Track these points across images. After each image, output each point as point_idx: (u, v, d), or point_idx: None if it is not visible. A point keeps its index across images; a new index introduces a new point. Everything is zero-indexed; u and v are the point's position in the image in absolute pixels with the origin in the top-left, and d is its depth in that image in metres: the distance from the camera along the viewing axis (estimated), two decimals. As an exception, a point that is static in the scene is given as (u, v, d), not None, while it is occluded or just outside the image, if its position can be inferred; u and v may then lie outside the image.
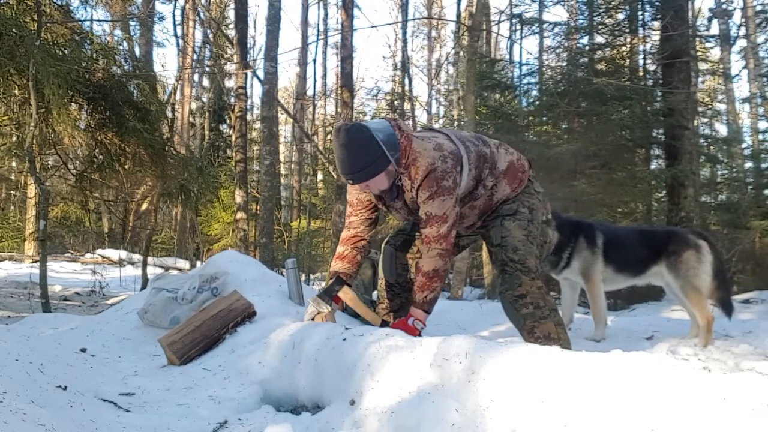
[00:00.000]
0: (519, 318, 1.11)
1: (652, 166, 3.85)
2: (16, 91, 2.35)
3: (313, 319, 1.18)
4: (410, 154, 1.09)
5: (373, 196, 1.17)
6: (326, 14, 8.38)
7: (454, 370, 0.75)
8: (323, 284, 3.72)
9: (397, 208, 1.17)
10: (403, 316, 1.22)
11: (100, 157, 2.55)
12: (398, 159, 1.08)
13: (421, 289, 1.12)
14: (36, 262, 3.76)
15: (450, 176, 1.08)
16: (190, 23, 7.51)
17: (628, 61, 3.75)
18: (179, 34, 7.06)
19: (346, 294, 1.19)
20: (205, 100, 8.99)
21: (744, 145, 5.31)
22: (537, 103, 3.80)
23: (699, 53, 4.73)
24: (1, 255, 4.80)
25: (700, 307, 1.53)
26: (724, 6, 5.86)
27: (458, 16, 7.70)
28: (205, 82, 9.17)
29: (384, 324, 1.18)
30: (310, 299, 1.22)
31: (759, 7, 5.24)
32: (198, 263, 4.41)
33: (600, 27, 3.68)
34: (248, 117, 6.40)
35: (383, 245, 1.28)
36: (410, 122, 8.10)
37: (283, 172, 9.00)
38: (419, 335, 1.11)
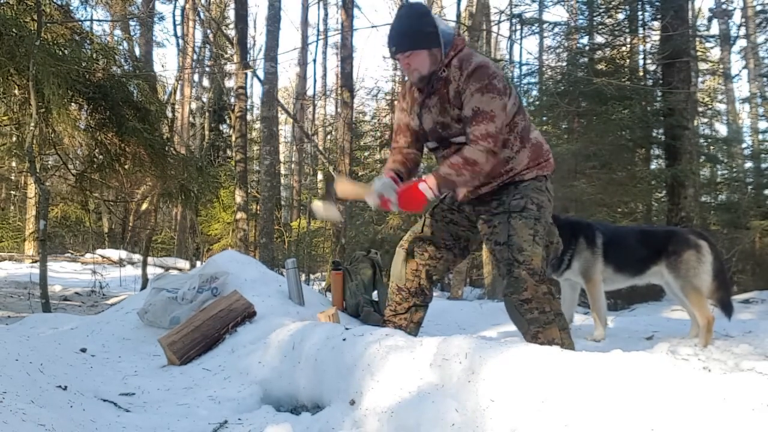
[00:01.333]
0: (523, 322, 1.09)
1: (652, 166, 3.85)
2: (16, 91, 2.35)
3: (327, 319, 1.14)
4: (463, 51, 1.07)
5: (410, 97, 1.11)
6: (326, 14, 8.39)
7: (454, 370, 0.75)
8: (323, 284, 3.71)
9: (431, 106, 1.10)
10: (409, 318, 1.19)
11: (100, 157, 2.55)
12: (447, 51, 1.06)
13: (450, 165, 1.04)
14: (36, 262, 3.75)
15: (501, 80, 1.05)
16: (190, 23, 7.50)
17: (628, 61, 3.75)
18: (179, 34, 7.06)
19: (343, 188, 1.10)
20: (205, 100, 8.99)
21: (744, 145, 5.31)
22: (537, 103, 3.81)
23: (699, 53, 4.74)
24: (1, 255, 4.80)
25: (700, 307, 1.53)
26: (724, 6, 5.86)
27: (458, 16, 7.68)
28: (205, 82, 9.17)
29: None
30: (315, 207, 1.14)
31: (759, 7, 5.24)
32: (198, 263, 4.41)
33: (600, 27, 3.68)
34: (248, 117, 6.39)
35: (397, 248, 1.23)
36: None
37: (283, 172, 9.00)
38: (424, 200, 1.04)
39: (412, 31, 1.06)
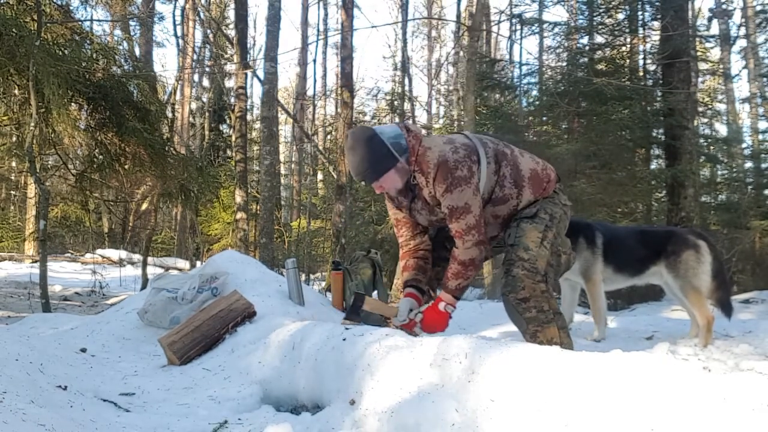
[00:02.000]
0: (522, 321, 1.09)
1: (652, 166, 3.85)
2: (16, 91, 2.35)
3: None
4: (419, 151, 1.08)
5: (396, 204, 1.16)
6: (326, 14, 8.39)
7: (454, 370, 0.75)
8: (323, 284, 3.70)
9: (418, 209, 1.15)
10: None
11: (100, 157, 2.55)
12: (408, 158, 1.08)
13: (455, 276, 1.11)
14: (36, 262, 3.75)
15: (463, 165, 1.06)
16: (190, 23, 7.51)
17: (628, 61, 3.74)
18: (179, 34, 7.06)
19: (370, 304, 1.17)
20: (205, 100, 8.99)
21: (744, 145, 5.30)
22: (537, 103, 3.80)
23: (699, 53, 4.73)
24: (1, 255, 4.79)
25: (700, 307, 1.53)
26: (724, 6, 5.86)
27: (458, 16, 7.70)
28: (205, 82, 9.17)
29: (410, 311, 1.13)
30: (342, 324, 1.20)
31: (759, 7, 5.24)
32: (198, 263, 4.41)
33: (600, 27, 3.67)
34: (248, 117, 6.39)
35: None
36: (409, 121, 8.09)
37: (283, 172, 9.00)
38: (447, 317, 1.10)
39: (370, 162, 1.07)
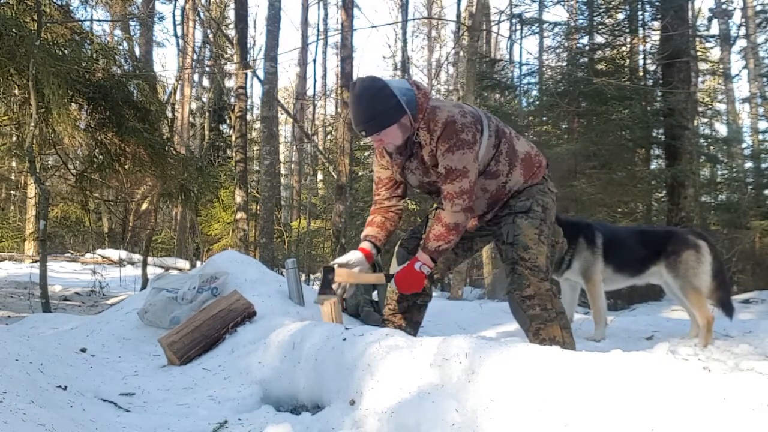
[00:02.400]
0: (525, 319, 1.09)
1: (652, 166, 3.85)
2: (16, 91, 2.35)
3: (322, 304, 1.14)
4: (428, 109, 1.07)
5: (390, 160, 1.13)
6: (326, 14, 8.39)
7: (454, 370, 0.75)
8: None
9: (413, 168, 1.12)
10: (410, 318, 1.19)
11: (100, 157, 2.54)
12: (415, 115, 1.06)
13: (437, 238, 1.08)
14: (36, 262, 3.75)
15: (469, 130, 1.05)
16: (190, 23, 7.50)
17: (628, 61, 3.74)
18: (179, 34, 7.05)
19: (341, 275, 1.13)
20: (205, 100, 8.99)
21: (744, 145, 5.31)
22: (537, 103, 3.80)
23: (699, 53, 4.72)
24: (1, 255, 4.79)
25: (700, 307, 1.53)
26: (724, 6, 5.86)
27: (458, 16, 7.70)
28: (205, 82, 9.17)
29: (389, 278, 1.12)
30: (314, 301, 1.19)
31: (759, 7, 5.24)
32: (198, 263, 4.41)
33: (600, 27, 3.67)
34: (248, 117, 6.38)
35: (397, 247, 1.24)
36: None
37: (283, 172, 9.00)
38: (423, 277, 1.08)
39: (376, 112, 1.04)
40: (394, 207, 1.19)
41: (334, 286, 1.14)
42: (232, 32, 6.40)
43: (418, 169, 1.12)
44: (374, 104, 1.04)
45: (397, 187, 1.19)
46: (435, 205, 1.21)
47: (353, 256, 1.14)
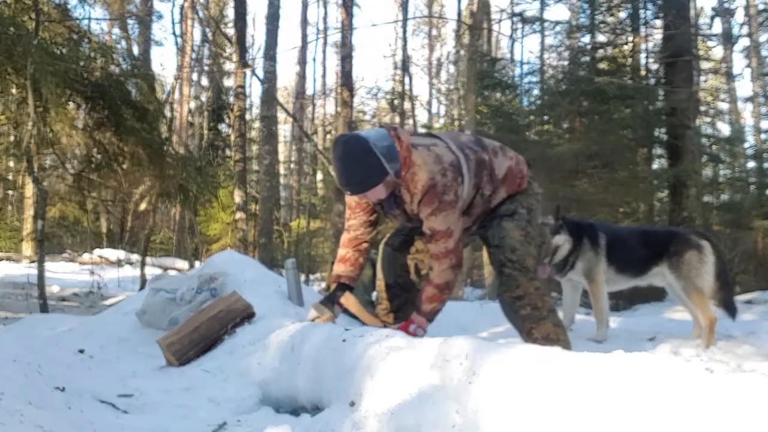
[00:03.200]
0: (517, 319, 1.11)
1: (654, 166, 3.86)
2: (14, 90, 2.33)
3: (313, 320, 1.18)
4: (410, 166, 1.08)
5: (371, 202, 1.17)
6: (326, 13, 8.39)
7: (454, 371, 0.74)
8: (323, 285, 3.70)
9: (396, 215, 1.16)
10: (403, 317, 1.22)
11: (98, 156, 2.53)
12: (398, 170, 1.07)
13: (429, 300, 1.12)
14: (33, 262, 3.72)
15: (451, 190, 1.07)
16: (189, 22, 7.48)
17: (629, 59, 3.73)
18: (178, 32, 7.04)
19: (348, 300, 1.19)
20: (203, 99, 8.97)
21: (746, 145, 5.30)
22: (538, 102, 3.80)
23: (701, 52, 4.72)
24: (-1, 255, 4.78)
25: (703, 307, 1.52)
26: (726, 4, 5.85)
27: (459, 14, 7.69)
28: (204, 81, 9.15)
29: (384, 326, 1.17)
30: (312, 306, 1.21)
31: (761, 6, 5.22)
32: (197, 263, 4.40)
33: (602, 25, 3.66)
34: (247, 116, 6.38)
35: (381, 246, 1.27)
36: (410, 121, 8.07)
37: (282, 171, 8.99)
38: None
39: (361, 176, 1.06)
40: (365, 240, 1.21)
41: (336, 306, 1.17)
42: (231, 31, 6.38)
43: (401, 216, 1.16)
44: (358, 168, 1.05)
45: (370, 215, 1.20)
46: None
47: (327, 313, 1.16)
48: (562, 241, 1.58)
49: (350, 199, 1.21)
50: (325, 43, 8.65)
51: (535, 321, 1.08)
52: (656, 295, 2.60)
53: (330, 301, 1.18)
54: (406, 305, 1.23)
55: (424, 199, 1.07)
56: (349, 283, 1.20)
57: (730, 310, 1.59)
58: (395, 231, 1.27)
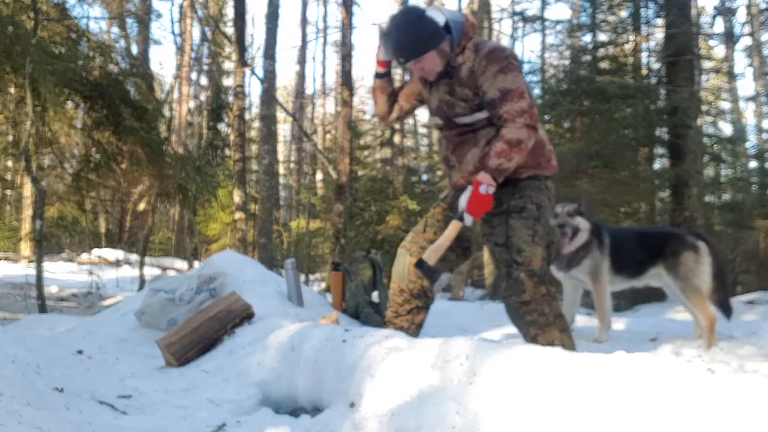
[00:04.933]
0: (523, 324, 1.08)
1: (656, 166, 3.84)
2: (12, 90, 2.32)
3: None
4: (472, 38, 1.07)
5: (420, 84, 1.13)
6: (326, 12, 8.38)
7: (455, 371, 0.74)
8: (323, 285, 3.69)
9: (440, 85, 1.10)
10: (412, 321, 1.16)
11: (97, 156, 2.52)
12: (458, 41, 1.05)
13: (498, 155, 1.01)
14: (32, 262, 3.70)
15: (515, 60, 1.06)
16: (188, 21, 7.47)
17: (631, 59, 3.72)
18: (177, 31, 7.04)
19: (430, 257, 1.07)
20: (203, 98, 8.95)
21: (748, 144, 5.29)
22: (539, 101, 3.78)
23: (703, 51, 4.72)
24: (-2, 255, 4.76)
25: (702, 307, 1.52)
26: (728, 3, 5.82)
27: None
28: (203, 81, 9.14)
29: (459, 217, 1.05)
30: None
31: (764, 5, 5.21)
32: (196, 264, 4.37)
33: (603, 24, 3.65)
34: (247, 116, 6.35)
35: (400, 249, 1.21)
36: (410, 121, 8.05)
37: (282, 171, 8.99)
38: (490, 198, 1.03)
39: (415, 40, 1.05)
40: (391, 107, 1.19)
41: (433, 271, 1.08)
42: (230, 30, 6.37)
43: (445, 86, 1.10)
44: (413, 31, 1.04)
45: (407, 101, 1.18)
46: (438, 202, 1.19)
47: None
48: (583, 226, 1.57)
49: (410, 84, 1.18)
50: (324, 43, 8.68)
51: (540, 327, 1.05)
52: (658, 295, 2.58)
53: (429, 273, 1.08)
54: (415, 311, 1.17)
55: (492, 55, 1.02)
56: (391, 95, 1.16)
57: (726, 310, 1.58)
58: (413, 237, 1.20)
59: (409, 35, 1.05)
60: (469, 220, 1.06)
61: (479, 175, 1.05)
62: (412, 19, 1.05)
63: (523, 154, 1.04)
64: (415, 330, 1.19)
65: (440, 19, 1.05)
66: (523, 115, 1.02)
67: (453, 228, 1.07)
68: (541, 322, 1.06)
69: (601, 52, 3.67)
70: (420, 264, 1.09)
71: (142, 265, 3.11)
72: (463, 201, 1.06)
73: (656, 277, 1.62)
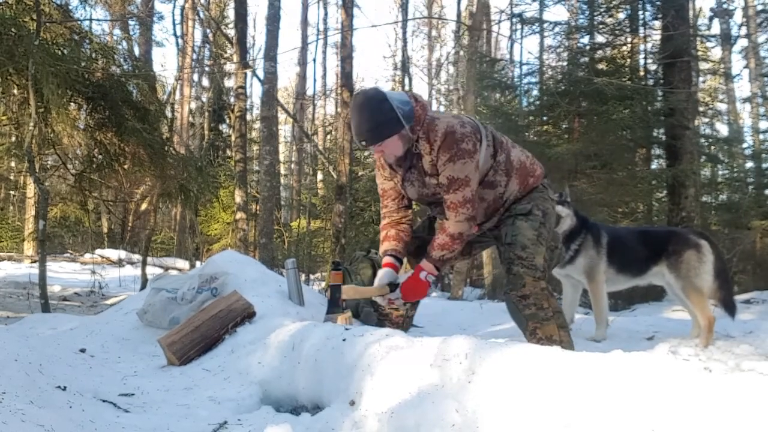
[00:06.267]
0: (522, 318, 1.10)
1: (653, 166, 3.84)
2: (15, 91, 2.34)
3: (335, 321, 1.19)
4: (426, 121, 1.09)
5: (390, 169, 1.16)
6: (326, 14, 8.40)
7: (454, 370, 0.75)
8: (323, 285, 3.70)
9: (412, 180, 1.15)
10: (405, 314, 1.22)
11: (100, 156, 2.54)
12: (412, 126, 1.08)
13: (441, 247, 1.11)
14: (35, 262, 3.73)
15: (469, 140, 1.08)
16: (190, 22, 7.50)
17: (628, 60, 3.71)
18: (179, 33, 7.06)
19: (347, 292, 1.19)
20: (204, 99, 8.98)
21: (745, 145, 5.30)
22: (537, 102, 3.79)
23: (700, 53, 4.71)
24: (0, 255, 4.78)
25: (702, 307, 1.53)
26: (725, 5, 5.85)
27: (458, 15, 7.71)
28: (205, 82, 9.16)
29: (393, 287, 1.14)
30: (332, 321, 1.21)
31: (760, 7, 5.23)
32: (197, 263, 4.38)
33: (600, 26, 3.65)
34: (248, 117, 6.38)
35: None
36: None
37: (282, 172, 9.01)
38: (427, 285, 1.12)
39: (377, 124, 1.07)
40: (404, 218, 1.22)
41: (342, 306, 1.19)
42: (231, 31, 6.40)
43: (417, 181, 1.15)
44: (375, 115, 1.07)
45: (403, 197, 1.22)
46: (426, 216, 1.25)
47: (384, 275, 1.16)
48: (565, 214, 1.58)
49: (381, 185, 1.21)
50: (325, 44, 8.69)
51: (539, 321, 1.08)
52: (655, 294, 2.60)
53: (333, 305, 1.19)
54: (407, 306, 1.22)
55: (443, 144, 1.06)
56: (395, 254, 1.18)
57: (730, 309, 1.59)
58: (413, 235, 1.25)
59: (372, 120, 1.07)
60: (399, 299, 1.13)
61: (422, 262, 1.13)
62: (374, 104, 1.07)
63: (463, 243, 1.13)
64: (408, 323, 1.24)
65: (394, 101, 1.06)
66: (465, 206, 1.09)
67: (380, 290, 1.14)
68: (540, 316, 1.08)
69: (599, 53, 3.66)
70: (334, 289, 1.17)
71: (144, 264, 3.12)
72: (402, 279, 1.14)
73: (658, 275, 1.63)
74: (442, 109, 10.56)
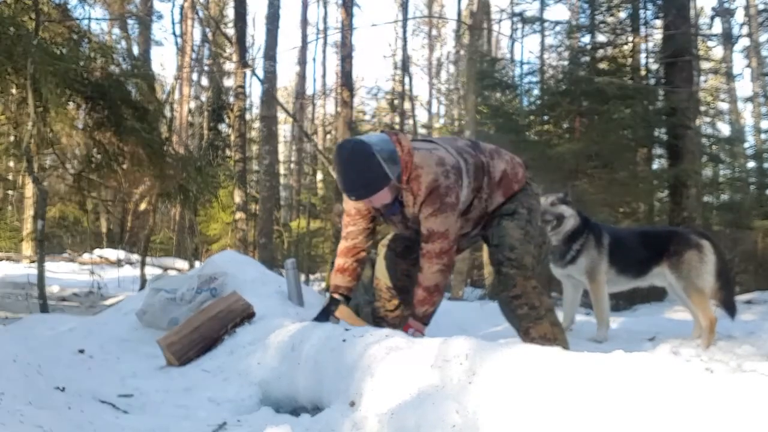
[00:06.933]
0: (515, 319, 1.11)
1: (654, 166, 3.85)
2: (14, 90, 2.33)
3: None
4: (412, 170, 1.09)
5: (372, 207, 1.17)
6: (326, 13, 8.40)
7: (454, 371, 0.74)
8: (323, 285, 3.70)
9: (396, 222, 1.17)
10: (399, 317, 1.23)
11: (98, 156, 2.52)
12: (399, 175, 1.08)
13: (421, 303, 1.13)
14: (33, 262, 3.74)
15: (453, 192, 1.09)
16: (189, 22, 7.49)
17: (630, 60, 3.72)
18: (178, 32, 7.05)
19: (342, 312, 1.19)
20: (203, 99, 8.97)
21: (746, 145, 5.31)
22: (538, 102, 3.79)
23: (701, 52, 4.72)
24: (-1, 255, 4.77)
25: (703, 307, 1.52)
26: (726, 4, 5.85)
27: (459, 14, 7.72)
28: (204, 81, 9.14)
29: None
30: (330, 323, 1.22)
31: (762, 6, 5.23)
32: (197, 263, 4.38)
33: (602, 25, 3.65)
34: (247, 116, 6.37)
35: (383, 248, 1.27)
36: (410, 122, 8.07)
37: (282, 171, 9.00)
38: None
39: (366, 181, 1.06)
40: (364, 246, 1.21)
41: (331, 318, 1.18)
42: (231, 31, 6.37)
43: (400, 223, 1.17)
44: (362, 173, 1.06)
45: (369, 223, 1.20)
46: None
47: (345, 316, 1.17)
48: (568, 214, 1.58)
49: (349, 206, 1.20)
50: (325, 43, 8.69)
51: (532, 320, 1.08)
52: (656, 295, 2.60)
53: (325, 314, 1.19)
54: (402, 305, 1.23)
55: (427, 200, 1.08)
56: (348, 294, 1.20)
57: (730, 309, 1.59)
58: (396, 236, 1.27)
59: (361, 178, 1.06)
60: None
61: (410, 321, 1.14)
62: (361, 160, 1.05)
63: (443, 292, 1.14)
64: (403, 322, 1.23)
65: (380, 153, 1.04)
66: (441, 257, 1.10)
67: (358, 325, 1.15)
68: (532, 315, 1.09)
69: (600, 53, 3.66)
70: (333, 301, 1.17)
71: (143, 264, 3.12)
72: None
73: (660, 276, 1.62)
74: (442, 109, 10.57)
